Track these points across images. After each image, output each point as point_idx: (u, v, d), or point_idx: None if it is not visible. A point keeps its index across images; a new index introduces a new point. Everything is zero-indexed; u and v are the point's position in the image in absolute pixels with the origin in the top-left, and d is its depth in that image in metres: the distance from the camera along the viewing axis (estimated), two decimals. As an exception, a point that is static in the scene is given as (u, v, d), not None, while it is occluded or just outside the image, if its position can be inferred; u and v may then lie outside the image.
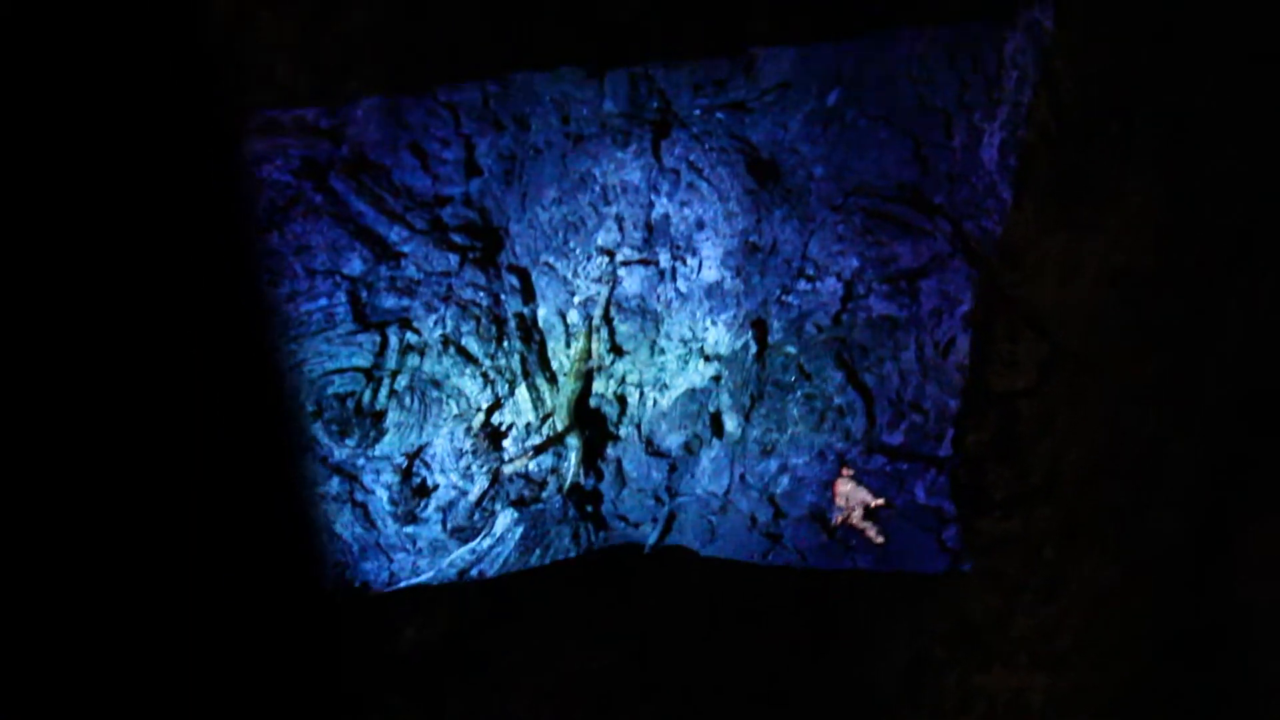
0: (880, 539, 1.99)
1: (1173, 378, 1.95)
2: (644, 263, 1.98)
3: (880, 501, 1.98)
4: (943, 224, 1.96)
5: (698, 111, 1.98)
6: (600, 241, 1.99)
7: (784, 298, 1.97)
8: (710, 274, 1.97)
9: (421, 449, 2.00)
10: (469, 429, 1.99)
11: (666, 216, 1.98)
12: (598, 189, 1.98)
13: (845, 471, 1.98)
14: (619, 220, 1.98)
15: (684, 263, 1.98)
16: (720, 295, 1.98)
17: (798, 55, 1.96)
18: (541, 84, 1.99)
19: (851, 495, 2.00)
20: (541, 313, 2.01)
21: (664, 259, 1.98)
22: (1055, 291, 1.97)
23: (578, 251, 1.99)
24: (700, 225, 1.98)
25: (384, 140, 1.99)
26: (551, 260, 1.99)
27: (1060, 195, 1.96)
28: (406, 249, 1.97)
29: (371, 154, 1.99)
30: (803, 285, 1.97)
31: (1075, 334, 1.96)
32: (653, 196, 1.98)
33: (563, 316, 2.00)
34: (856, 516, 1.99)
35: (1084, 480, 1.97)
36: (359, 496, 2.01)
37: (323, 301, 1.96)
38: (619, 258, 1.98)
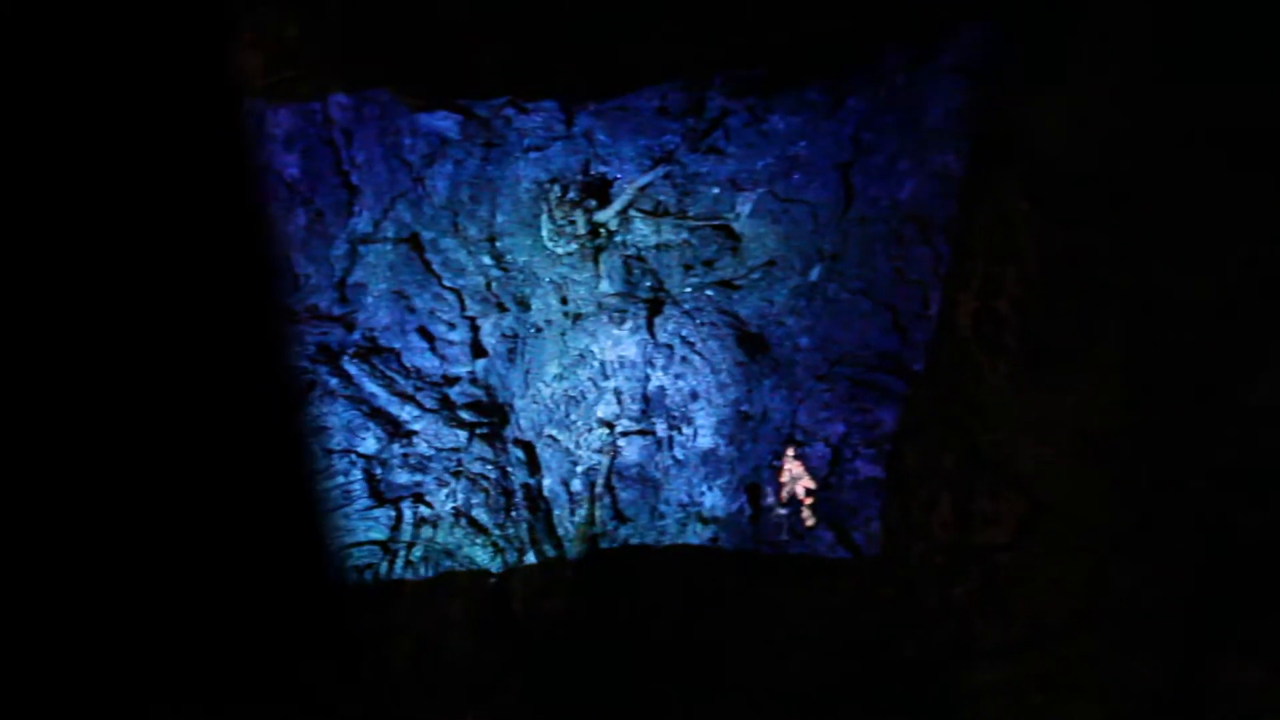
0: (811, 521, 2.07)
1: (1146, 529, 2.05)
2: (642, 433, 2.09)
3: (815, 485, 2.07)
4: (923, 390, 2.07)
5: (689, 289, 2.10)
6: (600, 414, 2.09)
7: (775, 463, 2.08)
8: (705, 442, 2.08)
9: (437, 616, 2.10)
10: (481, 595, 2.09)
11: (662, 389, 2.09)
12: (596, 364, 2.10)
13: (790, 452, 2.07)
14: (617, 394, 2.09)
15: (680, 432, 2.08)
16: (715, 462, 2.08)
17: (781, 234, 2.08)
18: (540, 266, 2.12)
19: (795, 475, 2.08)
20: (547, 483, 2.11)
21: (661, 429, 2.08)
22: (1032, 450, 2.07)
23: (579, 424, 2.10)
24: (694, 396, 2.09)
25: (393, 324, 2.11)
26: (555, 433, 2.10)
27: (1032, 360, 2.07)
28: (418, 427, 2.08)
29: (382, 338, 2.11)
30: (793, 451, 2.08)
31: (1052, 490, 2.06)
32: (649, 370, 2.09)
33: (566, 486, 2.11)
34: (797, 497, 2.07)
35: (1066, 629, 2.06)
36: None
37: (340, 479, 2.06)
38: (618, 429, 2.09)
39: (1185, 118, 1.99)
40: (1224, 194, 2.02)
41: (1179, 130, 2.00)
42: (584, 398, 2.08)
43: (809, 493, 2.07)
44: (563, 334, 2.09)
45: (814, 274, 2.06)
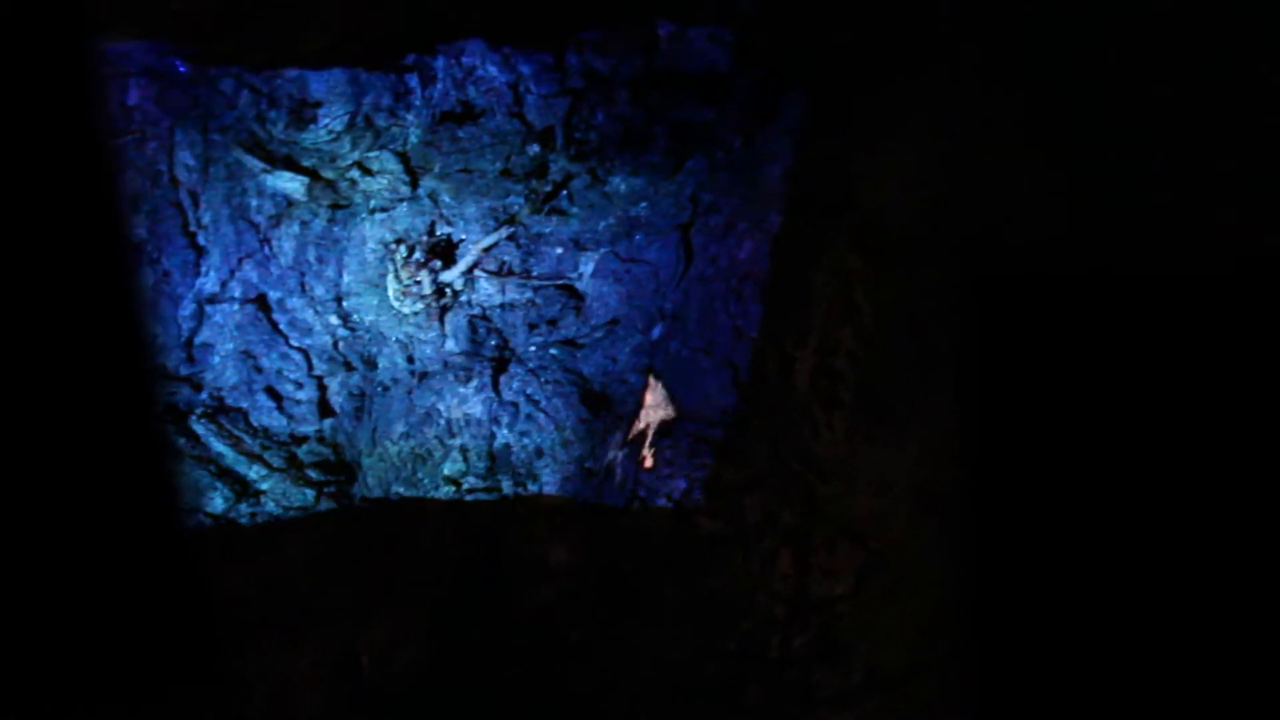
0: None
1: (975, 582, 2.11)
2: (488, 490, 2.12)
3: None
4: (762, 445, 2.12)
5: (533, 348, 2.13)
6: (447, 471, 2.12)
7: (617, 516, 2.12)
8: (551, 499, 2.12)
9: (285, 674, 2.12)
10: (330, 652, 2.12)
11: (508, 446, 2.12)
12: (443, 422, 2.12)
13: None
14: (464, 451, 2.12)
15: (525, 489, 2.12)
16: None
17: (624, 293, 2.12)
18: (387, 325, 2.14)
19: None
20: (394, 540, 2.14)
21: (506, 486, 2.11)
22: (868, 504, 2.12)
23: (426, 482, 2.12)
24: (539, 453, 2.12)
25: (241, 384, 2.12)
26: (402, 491, 2.12)
27: (868, 416, 2.12)
28: (265, 486, 2.09)
29: (229, 398, 2.12)
30: (637, 506, 2.12)
31: (888, 542, 2.12)
32: (494, 428, 2.12)
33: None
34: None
35: (902, 677, 2.12)
36: (228, 720, 2.12)
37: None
38: (465, 486, 2.11)
39: (1000, 178, 2.05)
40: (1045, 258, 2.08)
41: (995, 190, 2.06)
42: (430, 455, 2.11)
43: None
44: (409, 392, 2.11)
45: (656, 332, 2.10)
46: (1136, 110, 2.07)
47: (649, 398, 2.12)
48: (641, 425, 2.12)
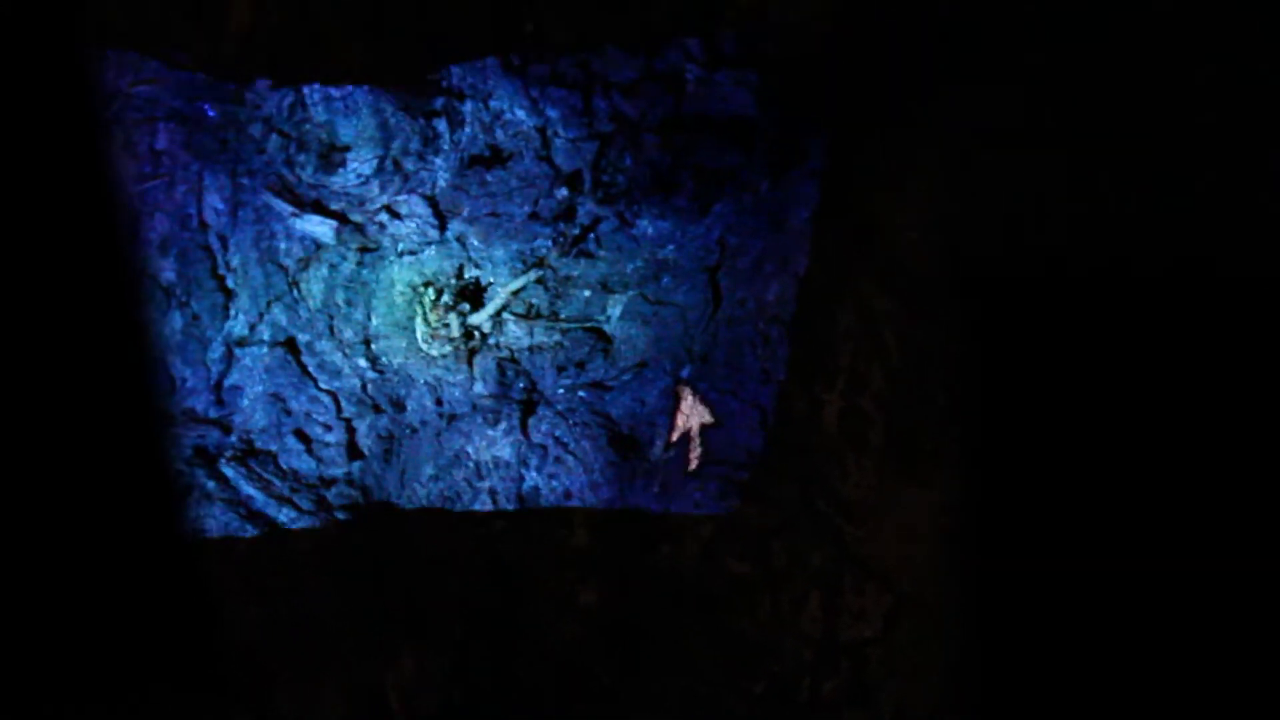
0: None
1: (1004, 622, 2.11)
2: (516, 532, 2.12)
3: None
4: (790, 488, 2.12)
5: (561, 390, 2.13)
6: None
7: (647, 560, 2.12)
8: (580, 541, 2.12)
9: (314, 717, 2.12)
10: (359, 695, 2.12)
11: (536, 489, 2.13)
12: (471, 465, 2.13)
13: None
14: (492, 494, 2.12)
15: (553, 531, 2.12)
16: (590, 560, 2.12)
17: (652, 336, 2.13)
18: (415, 368, 2.15)
19: (690, 414, 2.13)
20: (423, 582, 2.15)
21: (535, 528, 2.12)
22: (897, 546, 2.12)
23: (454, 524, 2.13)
24: (568, 496, 2.12)
25: (270, 427, 2.13)
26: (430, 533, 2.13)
27: (896, 457, 2.12)
28: (295, 529, 2.10)
29: (259, 440, 2.13)
30: (665, 548, 2.12)
31: (916, 584, 2.12)
32: (523, 471, 2.13)
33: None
34: (690, 434, 2.12)
35: (931, 719, 2.13)
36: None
37: (216, 583, 2.08)
38: (493, 528, 2.12)
39: (1024, 213, 2.05)
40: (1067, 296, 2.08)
41: (1018, 220, 2.06)
42: (459, 498, 2.12)
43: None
44: (438, 435, 2.12)
45: (684, 375, 2.10)
46: (1158, 125, 2.06)
47: (678, 425, 2.12)
48: (675, 442, 2.12)
